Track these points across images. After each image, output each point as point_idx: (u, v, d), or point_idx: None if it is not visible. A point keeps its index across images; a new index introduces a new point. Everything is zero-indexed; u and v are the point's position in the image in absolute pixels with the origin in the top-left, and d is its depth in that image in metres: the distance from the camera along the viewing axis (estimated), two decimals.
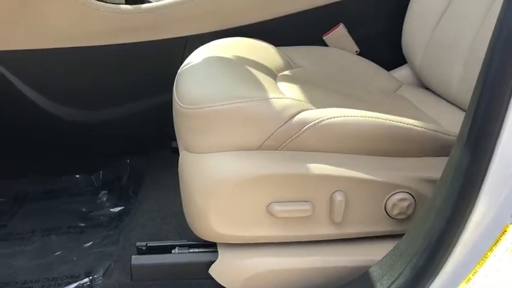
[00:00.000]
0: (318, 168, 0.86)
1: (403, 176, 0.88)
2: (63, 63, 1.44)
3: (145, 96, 1.50)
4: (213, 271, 0.91)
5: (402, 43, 1.42)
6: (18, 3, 1.35)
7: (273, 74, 1.17)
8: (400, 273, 0.74)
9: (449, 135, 0.94)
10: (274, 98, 0.90)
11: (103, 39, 1.43)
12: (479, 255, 0.68)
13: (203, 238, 0.92)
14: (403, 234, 0.81)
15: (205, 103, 0.89)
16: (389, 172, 0.88)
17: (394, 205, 0.88)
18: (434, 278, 0.71)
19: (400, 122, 0.91)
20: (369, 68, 1.41)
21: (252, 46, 1.31)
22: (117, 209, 1.43)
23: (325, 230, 0.89)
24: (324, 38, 1.48)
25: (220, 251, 0.92)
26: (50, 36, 1.40)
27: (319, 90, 1.13)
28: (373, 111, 1.08)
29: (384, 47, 1.47)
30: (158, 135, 1.46)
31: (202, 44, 1.29)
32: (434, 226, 0.73)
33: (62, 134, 1.51)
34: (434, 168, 0.89)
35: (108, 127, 1.52)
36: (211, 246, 0.94)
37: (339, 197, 0.86)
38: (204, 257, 0.94)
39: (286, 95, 1.01)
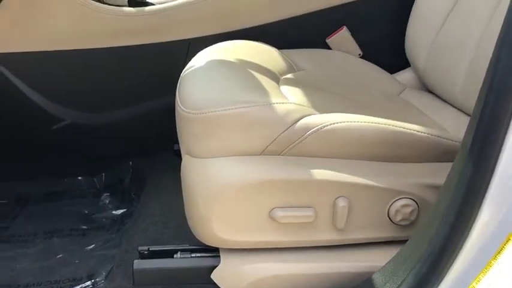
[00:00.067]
0: (320, 173, 0.86)
1: (406, 182, 0.88)
2: (65, 65, 1.44)
3: (148, 98, 1.50)
4: (215, 276, 0.91)
5: (405, 46, 1.41)
6: (21, 6, 1.35)
7: (275, 78, 1.16)
8: (403, 280, 0.74)
9: (452, 140, 0.93)
10: (277, 103, 0.90)
11: (106, 42, 1.43)
12: (483, 263, 0.68)
13: (205, 243, 0.91)
14: (406, 240, 0.80)
15: (208, 108, 0.89)
16: (393, 178, 0.88)
17: (397, 211, 0.87)
18: (438, 285, 0.70)
19: (403, 128, 0.91)
20: (372, 71, 1.40)
21: (255, 49, 1.31)
22: (119, 212, 1.43)
23: (328, 236, 0.89)
24: (327, 41, 1.47)
25: (223, 256, 0.92)
26: (53, 38, 1.40)
27: (322, 94, 1.13)
28: (376, 115, 1.08)
29: (387, 50, 1.47)
30: (160, 137, 1.46)
31: (205, 47, 1.29)
32: (438, 233, 0.72)
33: (65, 136, 1.51)
34: (438, 174, 0.88)
35: (111, 129, 1.52)
36: (213, 251, 0.94)
37: (341, 202, 0.86)
38: (206, 262, 0.94)
39: (289, 99, 1.01)
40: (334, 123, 0.88)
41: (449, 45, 1.25)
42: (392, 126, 0.90)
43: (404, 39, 1.41)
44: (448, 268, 0.69)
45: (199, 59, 1.19)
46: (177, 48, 1.45)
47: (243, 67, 1.13)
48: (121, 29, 1.43)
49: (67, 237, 1.34)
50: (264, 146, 0.87)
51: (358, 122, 0.89)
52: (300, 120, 0.88)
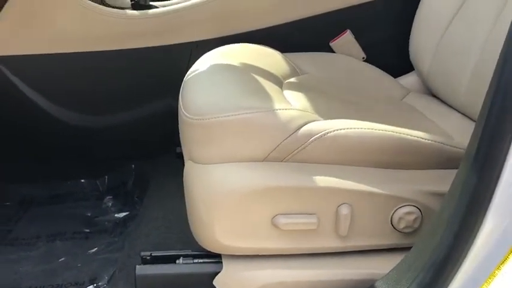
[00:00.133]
0: (323, 180, 0.85)
1: (409, 189, 0.87)
2: (69, 68, 1.44)
3: (151, 101, 1.50)
4: (218, 282, 0.91)
5: (410, 50, 1.41)
6: (24, 9, 1.35)
7: (279, 82, 1.16)
8: None
9: (456, 147, 0.93)
10: (280, 109, 0.89)
11: (109, 45, 1.43)
12: (486, 273, 0.67)
13: (207, 249, 0.91)
14: (409, 248, 0.80)
15: (211, 114, 0.89)
16: (396, 185, 0.87)
17: (400, 218, 0.87)
18: None
19: (407, 134, 0.90)
20: (376, 75, 1.40)
21: (258, 52, 1.31)
22: (122, 215, 1.43)
23: (331, 243, 0.88)
24: (331, 44, 1.47)
25: (225, 262, 0.91)
26: (56, 41, 1.40)
27: (325, 99, 1.13)
28: (379, 120, 1.07)
29: (391, 53, 1.47)
30: (163, 140, 1.46)
31: (208, 50, 1.29)
32: (442, 241, 0.72)
33: (68, 138, 1.51)
34: (441, 181, 0.88)
35: (114, 132, 1.52)
36: (216, 257, 0.93)
37: (344, 210, 0.85)
38: (208, 268, 0.93)
39: (292, 103, 1.01)
40: (337, 130, 0.88)
41: (454, 49, 1.24)
42: (396, 133, 0.90)
43: (408, 43, 1.41)
44: (452, 278, 0.69)
45: (202, 63, 1.18)
46: (180, 51, 1.45)
47: (246, 71, 1.13)
48: (124, 31, 1.43)
49: (70, 240, 1.34)
50: (267, 152, 0.87)
51: (361, 128, 0.89)
52: (302, 126, 0.88)
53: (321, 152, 0.87)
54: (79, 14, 1.39)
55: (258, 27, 1.45)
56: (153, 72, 1.47)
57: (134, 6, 1.47)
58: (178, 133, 1.03)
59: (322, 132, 0.87)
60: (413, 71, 1.43)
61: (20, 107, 1.45)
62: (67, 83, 1.46)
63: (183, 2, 1.58)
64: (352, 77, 1.37)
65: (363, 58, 1.48)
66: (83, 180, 1.55)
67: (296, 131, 0.87)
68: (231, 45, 1.31)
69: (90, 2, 1.41)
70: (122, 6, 1.64)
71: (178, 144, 1.08)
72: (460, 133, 1.07)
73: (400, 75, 1.44)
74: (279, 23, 1.45)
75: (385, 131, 0.90)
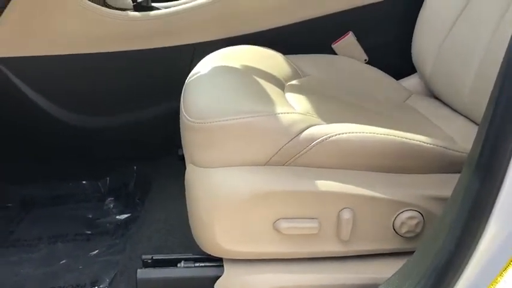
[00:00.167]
0: (325, 185, 0.85)
1: (411, 193, 0.87)
2: (70, 69, 1.44)
3: (153, 102, 1.50)
4: (219, 286, 0.91)
5: (412, 52, 1.40)
6: (25, 11, 1.35)
7: (281, 84, 1.16)
8: None
9: (459, 151, 0.92)
10: (281, 113, 0.89)
11: (111, 46, 1.43)
12: (489, 279, 0.67)
13: (209, 253, 0.91)
14: (411, 252, 0.80)
15: (212, 117, 0.88)
16: (398, 189, 0.87)
17: (402, 223, 0.87)
18: None
19: (409, 139, 0.90)
20: (378, 77, 1.40)
21: (260, 54, 1.30)
22: (123, 216, 1.43)
23: (333, 247, 0.88)
24: (333, 46, 1.47)
25: (226, 266, 0.91)
26: (57, 42, 1.40)
27: (327, 101, 1.12)
28: (381, 123, 1.07)
29: (394, 55, 1.46)
30: (165, 142, 1.45)
31: (210, 51, 1.28)
32: (444, 247, 0.72)
33: (69, 139, 1.51)
34: (444, 185, 0.87)
35: (115, 133, 1.52)
36: (217, 261, 0.93)
37: (346, 214, 0.85)
38: (209, 272, 0.93)
39: (294, 106, 1.01)
40: (339, 134, 0.87)
41: (457, 51, 1.23)
42: (398, 137, 0.89)
43: (410, 45, 1.40)
44: (454, 284, 0.68)
45: (204, 65, 1.18)
46: (182, 52, 1.44)
47: (248, 74, 1.13)
48: (126, 33, 1.43)
49: (71, 242, 1.34)
50: (269, 156, 0.87)
51: (363, 132, 0.88)
52: (304, 130, 0.88)
53: (323, 156, 0.87)
54: (80, 16, 1.39)
55: (260, 29, 1.45)
56: (155, 74, 1.47)
57: (136, 8, 1.47)
58: (180, 135, 1.03)
59: (324, 137, 0.87)
60: (415, 73, 1.43)
61: (21, 108, 1.45)
62: (69, 85, 1.46)
63: (184, 3, 1.58)
64: (354, 79, 1.37)
65: (365, 60, 1.47)
66: (84, 182, 1.55)
67: (298, 135, 0.87)
68: (232, 47, 1.31)
69: (91, 3, 1.41)
70: (124, 7, 1.64)
71: (180, 146, 1.08)
72: (462, 136, 1.06)
73: (402, 77, 1.44)
74: (281, 24, 1.45)
75: (387, 135, 0.89)
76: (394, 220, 0.87)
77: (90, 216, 1.45)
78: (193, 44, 1.45)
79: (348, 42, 1.46)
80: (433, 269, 0.72)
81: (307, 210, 0.86)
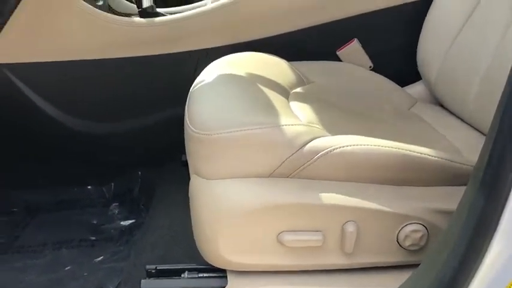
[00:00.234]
0: (329, 198, 0.85)
1: (415, 206, 0.87)
2: (76, 75, 1.45)
3: (157, 109, 1.50)
4: None
5: (417, 59, 1.40)
6: (31, 17, 1.36)
7: (285, 92, 1.16)
8: None
9: (463, 164, 0.92)
10: (286, 125, 0.89)
11: (117, 52, 1.43)
12: None
13: (212, 264, 0.91)
14: (415, 265, 0.79)
15: (216, 129, 0.88)
16: (402, 202, 0.87)
17: (406, 236, 0.87)
18: None
19: (413, 151, 0.90)
20: (383, 84, 1.39)
21: (264, 61, 1.30)
22: (128, 222, 1.43)
23: (336, 260, 0.88)
24: (338, 53, 1.46)
25: (230, 278, 0.91)
26: (63, 49, 1.41)
27: (331, 110, 1.12)
28: (386, 132, 1.07)
29: (399, 62, 1.46)
30: (169, 147, 1.46)
31: (215, 58, 1.29)
32: (448, 262, 0.71)
33: (75, 145, 1.52)
34: (448, 198, 0.87)
35: (120, 139, 1.53)
36: (221, 272, 0.93)
37: (350, 227, 0.85)
38: (213, 283, 0.93)
39: (298, 116, 1.01)
40: (343, 147, 0.87)
41: (463, 58, 1.23)
42: (402, 149, 0.89)
43: (415, 52, 1.40)
44: None
45: (208, 73, 1.18)
46: (187, 59, 1.45)
47: (253, 82, 1.13)
48: (131, 39, 1.43)
49: (76, 248, 1.35)
50: (272, 168, 0.87)
51: (367, 145, 0.88)
52: (309, 142, 0.88)
53: (327, 169, 0.87)
54: (86, 22, 1.39)
55: (265, 36, 1.45)
56: (160, 80, 1.47)
57: (141, 14, 1.47)
58: (184, 141, 1.03)
59: (328, 149, 0.87)
60: (420, 80, 1.43)
61: (27, 113, 1.46)
62: (74, 90, 1.46)
63: (189, 9, 1.58)
64: (359, 86, 1.37)
65: (370, 67, 1.47)
66: (89, 187, 1.56)
67: (302, 147, 0.87)
68: (237, 54, 1.31)
69: (97, 9, 1.42)
70: (129, 12, 1.64)
71: (184, 152, 1.08)
72: (468, 146, 1.06)
73: (407, 84, 1.43)
74: (286, 31, 1.45)
75: (392, 147, 0.89)
76: (398, 233, 0.87)
77: (95, 221, 1.45)
78: (198, 50, 1.45)
79: (353, 49, 1.46)
80: (438, 284, 0.71)
81: (311, 222, 0.85)
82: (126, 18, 1.46)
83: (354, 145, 0.88)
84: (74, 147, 1.52)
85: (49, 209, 1.50)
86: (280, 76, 1.23)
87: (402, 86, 1.41)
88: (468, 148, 1.05)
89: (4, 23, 1.34)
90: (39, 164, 1.54)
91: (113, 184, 1.54)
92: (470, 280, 0.68)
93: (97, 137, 1.51)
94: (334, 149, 0.87)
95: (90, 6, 1.40)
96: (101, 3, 1.54)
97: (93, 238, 1.38)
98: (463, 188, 0.87)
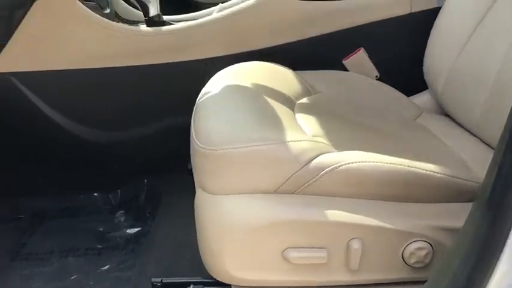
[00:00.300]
0: (334, 215, 0.85)
1: (420, 224, 0.87)
2: (83, 83, 1.45)
3: (164, 117, 1.51)
4: None
5: (424, 68, 1.39)
6: (39, 27, 1.36)
7: (291, 103, 1.16)
8: None
9: (469, 181, 0.92)
10: (291, 141, 0.89)
11: (124, 61, 1.44)
12: None
13: (217, 279, 0.92)
14: (421, 282, 0.80)
15: (222, 145, 0.89)
16: (407, 220, 0.87)
17: (411, 254, 0.87)
18: None
19: (419, 168, 0.90)
20: (389, 94, 1.39)
21: (270, 71, 1.31)
22: (134, 230, 1.44)
23: (341, 277, 0.88)
24: (344, 62, 1.46)
25: None
26: (71, 57, 1.41)
27: (337, 122, 1.12)
28: (392, 144, 1.07)
29: (405, 72, 1.45)
30: (176, 156, 1.46)
31: (222, 66, 1.29)
32: (455, 281, 0.71)
33: (82, 152, 1.53)
34: (453, 216, 0.87)
35: (127, 147, 1.53)
36: (226, 285, 0.94)
37: (355, 244, 0.85)
38: None
39: (304, 129, 1.01)
40: (348, 163, 0.87)
41: (470, 68, 1.22)
42: (407, 166, 0.89)
43: (422, 61, 1.39)
44: None
45: (215, 84, 1.19)
46: (194, 67, 1.45)
47: (258, 93, 1.13)
48: (138, 48, 1.43)
49: (82, 256, 1.35)
50: (278, 185, 0.87)
51: (373, 162, 0.88)
52: (314, 159, 0.88)
53: (333, 185, 0.87)
54: (93, 31, 1.40)
55: (271, 45, 1.45)
56: (166, 89, 1.48)
57: (148, 23, 1.48)
58: (190, 150, 1.04)
59: (334, 166, 0.87)
60: (426, 90, 1.42)
61: (34, 121, 1.47)
62: (81, 99, 1.47)
63: (195, 17, 1.59)
64: (365, 96, 1.36)
65: (376, 76, 1.47)
66: (95, 194, 1.56)
67: (307, 163, 0.87)
68: (243, 63, 1.31)
69: (103, 18, 1.42)
70: (136, 19, 1.65)
71: (189, 160, 1.09)
72: (475, 158, 1.06)
73: (413, 94, 1.43)
74: (292, 40, 1.45)
75: (397, 164, 0.89)
76: (403, 250, 0.87)
77: (101, 229, 1.46)
78: (204, 59, 1.45)
79: (359, 59, 1.45)
80: None
81: (316, 239, 0.86)
82: (133, 27, 1.47)
83: (359, 162, 0.88)
84: (81, 155, 1.53)
85: (56, 215, 1.51)
86: (286, 86, 1.23)
87: (408, 95, 1.41)
88: (475, 161, 1.04)
89: (12, 33, 1.35)
90: (47, 171, 1.55)
91: (119, 191, 1.55)
92: None
93: (104, 144, 1.52)
94: (339, 166, 0.87)
95: (97, 15, 1.41)
96: (107, 11, 1.54)
97: (100, 246, 1.39)
98: (468, 205, 0.87)
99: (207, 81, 1.24)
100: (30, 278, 1.28)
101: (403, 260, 0.87)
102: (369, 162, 0.88)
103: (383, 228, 0.86)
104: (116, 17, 1.62)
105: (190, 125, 1.08)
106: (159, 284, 0.98)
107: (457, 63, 1.27)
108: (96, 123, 1.50)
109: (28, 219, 1.51)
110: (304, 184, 0.87)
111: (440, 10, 1.37)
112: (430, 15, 1.38)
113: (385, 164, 0.88)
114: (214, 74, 1.27)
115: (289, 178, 0.87)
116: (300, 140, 0.91)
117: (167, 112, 1.49)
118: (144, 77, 1.46)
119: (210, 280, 0.96)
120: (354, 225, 0.85)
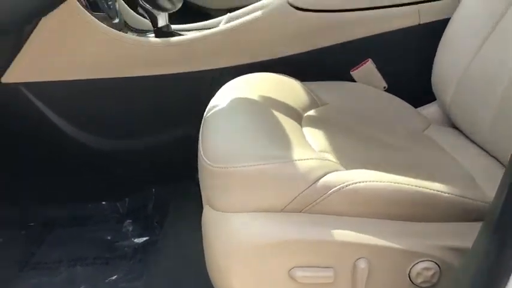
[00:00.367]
0: (341, 234, 0.85)
1: (427, 244, 0.87)
2: (92, 93, 1.47)
3: (173, 127, 1.52)
4: None
5: (432, 79, 1.39)
6: (49, 37, 1.38)
7: (298, 116, 1.16)
8: None
9: (476, 200, 0.92)
10: (299, 160, 0.89)
11: (132, 71, 1.45)
12: None
13: None
14: None
15: (229, 163, 0.89)
16: (414, 239, 0.87)
17: (418, 274, 0.86)
18: None
19: (425, 188, 0.89)
20: (397, 105, 1.39)
21: (277, 82, 1.31)
22: (141, 240, 1.45)
23: None
24: (352, 73, 1.46)
25: None
26: (80, 67, 1.43)
27: (344, 135, 1.12)
28: (400, 158, 1.07)
29: (413, 82, 1.45)
30: (183, 165, 1.47)
31: (229, 76, 1.30)
32: None
33: (91, 161, 1.54)
34: (460, 235, 0.87)
35: (135, 156, 1.54)
36: None
37: (362, 264, 0.85)
38: None
39: (311, 143, 1.01)
40: (356, 183, 0.87)
41: (481, 80, 1.21)
42: (414, 186, 0.89)
43: (430, 72, 1.39)
44: None
45: (222, 97, 1.19)
46: (202, 78, 1.46)
47: (266, 107, 1.13)
48: (147, 59, 1.44)
49: (90, 266, 1.37)
50: (285, 203, 0.87)
51: (380, 181, 0.88)
52: (321, 178, 0.88)
53: (340, 204, 0.87)
54: (102, 42, 1.41)
55: (279, 56, 1.45)
56: (175, 99, 1.49)
57: (156, 34, 1.49)
58: (197, 160, 1.04)
59: (341, 185, 0.87)
60: (435, 101, 1.42)
61: (43, 130, 1.48)
62: (90, 108, 1.48)
63: (202, 26, 1.60)
64: (372, 108, 1.36)
65: (384, 87, 1.46)
66: (103, 202, 1.57)
67: (315, 182, 0.87)
68: (250, 74, 1.32)
69: (112, 29, 1.43)
70: (145, 28, 1.66)
71: (197, 171, 1.09)
72: (483, 175, 1.05)
73: (421, 105, 1.43)
74: (300, 51, 1.45)
75: (404, 184, 0.89)
76: (410, 270, 0.87)
77: (109, 238, 1.47)
78: (212, 69, 1.46)
79: (367, 70, 1.45)
80: None
81: (322, 259, 0.86)
82: (142, 38, 1.48)
83: (366, 181, 0.88)
84: (89, 163, 1.55)
85: (64, 224, 1.53)
86: (293, 98, 1.23)
87: (416, 107, 1.41)
88: (483, 177, 1.04)
89: (22, 44, 1.36)
90: (55, 179, 1.56)
91: (127, 200, 1.56)
92: None
93: (112, 153, 1.53)
94: (347, 185, 0.87)
95: (106, 26, 1.42)
96: (117, 21, 1.56)
97: (108, 256, 1.40)
98: (475, 224, 0.87)
99: (215, 92, 1.25)
100: (39, 287, 1.30)
101: (410, 279, 0.87)
102: (376, 181, 0.88)
103: (389, 248, 0.85)
104: (125, 26, 1.63)
105: (198, 134, 1.09)
106: None
107: (466, 75, 1.26)
108: (104, 133, 1.51)
109: (37, 227, 1.52)
110: (311, 203, 0.87)
111: (450, 21, 1.37)
112: (439, 27, 1.38)
113: (393, 184, 0.88)
114: (222, 84, 1.27)
115: (296, 197, 0.87)
116: (307, 159, 0.91)
117: (175, 122, 1.50)
118: (152, 87, 1.47)
119: None
120: (360, 244, 0.85)
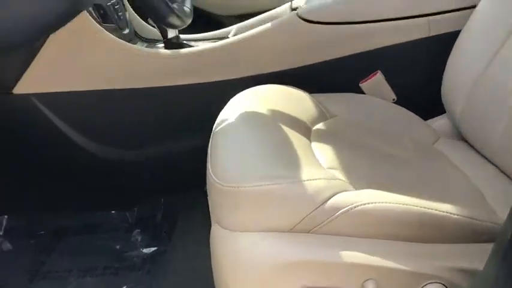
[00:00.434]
0: (349, 255, 0.85)
1: (435, 265, 0.86)
2: (102, 103, 1.48)
3: (182, 137, 1.53)
4: None
5: (442, 91, 1.38)
6: (60, 49, 1.39)
7: (307, 130, 1.17)
8: None
9: (485, 221, 0.91)
10: (307, 180, 0.90)
11: (142, 82, 1.46)
12: None
13: None
14: None
15: (238, 182, 0.90)
16: (422, 261, 0.87)
17: None
18: None
19: (433, 209, 0.89)
20: (406, 118, 1.38)
21: (286, 94, 1.31)
22: (150, 250, 1.46)
23: None
24: (361, 85, 1.46)
25: None
26: (90, 79, 1.44)
27: (353, 150, 1.12)
28: (409, 173, 1.07)
29: (423, 95, 1.44)
30: (192, 176, 1.48)
31: (238, 88, 1.30)
32: None
33: (101, 171, 1.55)
34: (468, 257, 0.87)
35: (145, 166, 1.55)
36: None
37: (370, 286, 0.85)
38: None
39: (320, 159, 1.01)
40: (364, 204, 0.87)
41: (491, 93, 1.19)
42: (422, 207, 0.89)
43: (440, 85, 1.38)
44: None
45: (231, 110, 1.19)
46: (211, 89, 1.46)
47: (274, 121, 1.14)
48: (156, 70, 1.45)
49: (100, 276, 1.38)
50: (293, 224, 0.88)
51: (388, 203, 0.88)
52: (329, 199, 0.88)
53: (348, 225, 0.87)
54: (112, 53, 1.42)
55: (288, 67, 1.45)
56: (184, 110, 1.50)
57: (166, 45, 1.49)
58: (206, 171, 1.05)
59: (349, 206, 0.87)
60: (444, 114, 1.41)
61: (54, 141, 1.50)
62: (100, 118, 1.50)
63: (211, 36, 1.60)
64: (381, 120, 1.36)
65: (393, 100, 1.46)
66: (113, 212, 1.59)
67: (323, 203, 0.87)
68: (260, 86, 1.32)
69: (122, 41, 1.44)
70: (156, 38, 1.67)
71: (206, 182, 1.10)
72: (493, 192, 1.05)
73: (431, 117, 1.42)
74: (309, 63, 1.45)
75: (412, 205, 0.89)
76: None
77: (118, 247, 1.49)
78: (222, 81, 1.46)
79: (376, 82, 1.45)
80: None
81: (330, 280, 0.86)
82: (152, 50, 1.49)
83: (375, 202, 0.88)
84: (98, 173, 1.56)
85: (74, 233, 1.55)
86: (301, 110, 1.23)
87: (426, 119, 1.40)
88: (493, 195, 1.04)
89: (34, 55, 1.38)
90: (65, 188, 1.58)
91: (136, 209, 1.57)
92: None
93: (121, 163, 1.54)
94: (355, 207, 0.87)
95: (116, 37, 1.43)
96: (127, 31, 1.56)
97: (117, 266, 1.41)
98: (484, 246, 0.87)
99: (225, 103, 1.25)
100: None
101: None
102: (385, 202, 0.88)
103: (398, 270, 0.85)
104: (135, 35, 1.64)
105: (207, 145, 1.10)
106: None
107: (477, 87, 1.25)
108: (113, 142, 1.52)
109: (47, 235, 1.54)
110: (319, 224, 0.87)
111: (461, 33, 1.36)
112: (449, 39, 1.37)
113: (401, 205, 0.88)
114: (231, 95, 1.28)
115: (304, 218, 0.87)
116: (316, 179, 0.91)
117: (185, 132, 1.51)
118: (162, 98, 1.48)
119: None
120: (368, 266, 0.85)
